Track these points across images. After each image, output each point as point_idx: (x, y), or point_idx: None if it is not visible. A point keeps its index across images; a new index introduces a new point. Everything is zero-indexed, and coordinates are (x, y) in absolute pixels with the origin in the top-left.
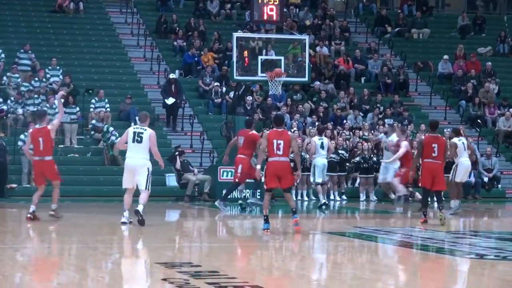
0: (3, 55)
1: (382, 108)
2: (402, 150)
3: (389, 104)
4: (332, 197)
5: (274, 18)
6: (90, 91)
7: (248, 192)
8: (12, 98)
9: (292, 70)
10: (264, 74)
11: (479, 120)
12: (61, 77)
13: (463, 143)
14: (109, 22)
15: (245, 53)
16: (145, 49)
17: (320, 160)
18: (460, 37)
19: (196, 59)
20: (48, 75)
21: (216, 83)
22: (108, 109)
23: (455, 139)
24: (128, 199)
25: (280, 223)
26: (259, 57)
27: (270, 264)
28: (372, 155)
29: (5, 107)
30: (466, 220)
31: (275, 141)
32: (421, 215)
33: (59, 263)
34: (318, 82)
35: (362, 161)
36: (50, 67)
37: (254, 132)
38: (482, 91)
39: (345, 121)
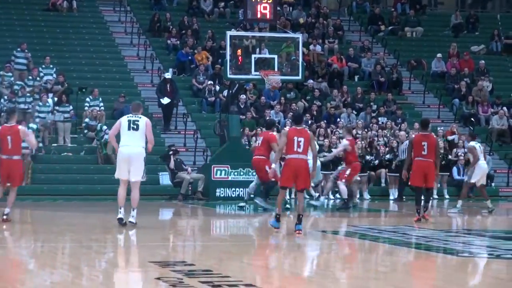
0: None
1: (375, 106)
2: (338, 149)
3: (383, 103)
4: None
5: (268, 16)
6: (83, 90)
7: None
8: (6, 97)
9: (286, 69)
10: (257, 73)
11: (472, 119)
12: (54, 75)
13: (479, 146)
14: (103, 20)
15: (239, 51)
16: (138, 47)
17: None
18: (453, 35)
19: (189, 57)
20: (41, 74)
21: (209, 82)
22: (102, 108)
23: (472, 143)
24: (122, 193)
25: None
26: (253, 56)
27: (264, 263)
28: (365, 154)
29: None
30: (459, 218)
31: (295, 138)
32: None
33: (53, 262)
34: (311, 81)
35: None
36: (43, 66)
37: (274, 133)
38: (476, 89)
39: (338, 119)
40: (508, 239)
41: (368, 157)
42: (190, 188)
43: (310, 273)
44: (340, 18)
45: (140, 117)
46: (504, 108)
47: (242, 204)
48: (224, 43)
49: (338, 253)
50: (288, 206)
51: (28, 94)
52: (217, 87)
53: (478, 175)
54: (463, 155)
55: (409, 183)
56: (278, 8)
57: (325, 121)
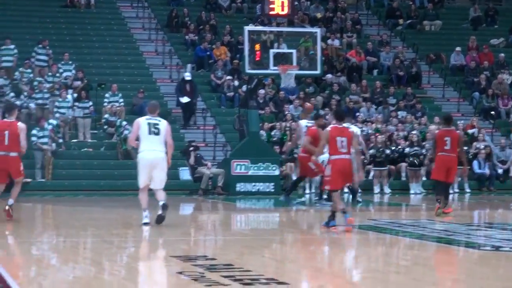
0: (16, 51)
1: (394, 100)
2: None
3: (402, 97)
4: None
5: (286, 11)
6: (103, 86)
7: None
8: (25, 93)
9: (304, 63)
10: (276, 68)
11: (492, 112)
12: (73, 71)
13: None
14: (121, 16)
15: (257, 46)
16: (156, 43)
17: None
18: (472, 28)
19: (208, 53)
20: (60, 70)
21: (228, 77)
22: (122, 104)
23: None
24: (145, 197)
25: (291, 216)
26: (271, 51)
27: (285, 257)
28: (385, 148)
29: (18, 102)
30: (481, 212)
31: (338, 138)
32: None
33: (75, 257)
34: (330, 75)
35: (376, 153)
36: (62, 62)
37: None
38: (496, 82)
39: (357, 113)
40: None
41: (387, 151)
42: (210, 183)
43: (330, 267)
44: (358, 12)
45: (160, 120)
46: None
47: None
48: (242, 38)
49: (358, 247)
50: (303, 199)
51: (45, 90)
52: (236, 82)
53: None
54: (483, 148)
55: (431, 177)
56: (296, 3)
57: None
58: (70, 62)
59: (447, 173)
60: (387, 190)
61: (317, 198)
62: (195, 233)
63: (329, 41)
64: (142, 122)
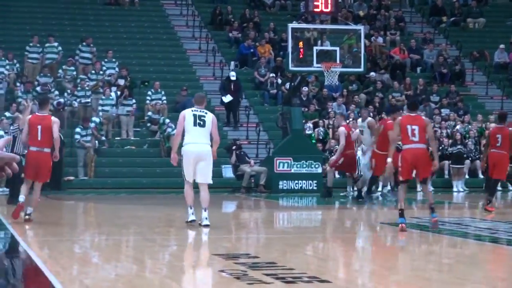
0: (59, 48)
1: (438, 98)
2: (341, 140)
3: (445, 94)
4: (389, 188)
5: (329, 8)
6: (146, 83)
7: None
8: (68, 91)
9: (348, 61)
10: (319, 65)
11: None
12: (117, 69)
13: None
14: (164, 14)
15: (300, 44)
16: (200, 40)
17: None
18: None
19: (251, 50)
20: (104, 68)
21: (271, 74)
22: (165, 101)
23: None
24: (190, 192)
25: (335, 214)
26: (314, 48)
27: (327, 255)
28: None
29: (62, 100)
30: None
31: (409, 126)
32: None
33: (117, 255)
34: (373, 73)
35: None
36: (106, 60)
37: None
38: None
39: (401, 111)
40: None
41: (431, 149)
42: (252, 180)
43: (373, 265)
44: (401, 9)
45: (206, 112)
46: None
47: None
48: (285, 36)
49: (400, 245)
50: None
51: (87, 88)
52: (279, 80)
53: None
54: None
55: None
56: (340, 0)
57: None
58: (114, 60)
59: (494, 170)
60: (429, 187)
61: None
62: (238, 231)
63: (373, 39)
64: (188, 113)
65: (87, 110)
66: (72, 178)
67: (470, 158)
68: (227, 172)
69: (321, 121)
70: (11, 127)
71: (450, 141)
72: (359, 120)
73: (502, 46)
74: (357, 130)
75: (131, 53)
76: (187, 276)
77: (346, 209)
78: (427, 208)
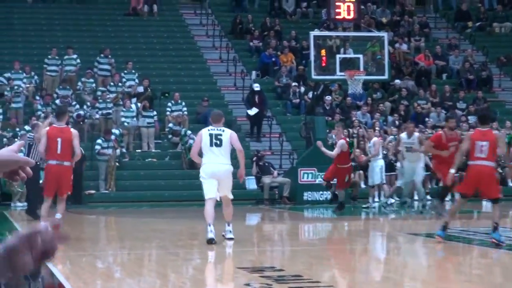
0: (78, 60)
1: (465, 105)
2: (336, 150)
3: (472, 101)
4: (416, 197)
5: (352, 15)
6: (167, 95)
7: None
8: (88, 104)
9: (371, 68)
10: (342, 73)
11: None
12: (136, 80)
13: None
14: (184, 24)
15: (323, 52)
16: (220, 50)
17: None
18: None
19: (273, 59)
20: (123, 79)
21: (294, 83)
22: (186, 112)
23: None
24: (210, 209)
25: (360, 225)
26: (337, 56)
27: (354, 267)
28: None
29: (82, 112)
30: None
31: (478, 142)
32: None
33: (140, 269)
34: (398, 80)
35: None
36: (125, 71)
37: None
38: None
39: (427, 119)
40: None
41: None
42: (276, 192)
43: (400, 276)
44: (425, 15)
45: (223, 130)
46: None
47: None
48: (307, 44)
49: (429, 256)
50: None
51: (108, 100)
52: (302, 89)
53: None
54: None
55: None
56: (362, 7)
57: (412, 120)
58: (133, 71)
59: None
60: (457, 196)
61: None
62: (262, 244)
63: (397, 45)
64: (204, 133)
65: (108, 122)
66: (93, 191)
67: (499, 166)
68: (250, 183)
69: (345, 131)
70: (28, 134)
71: None
72: (402, 135)
73: None
74: (378, 139)
75: (151, 64)
76: None
77: (372, 220)
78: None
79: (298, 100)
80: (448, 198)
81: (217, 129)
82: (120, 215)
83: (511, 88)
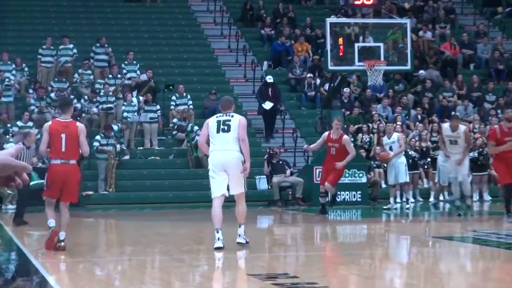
0: (75, 50)
1: (494, 97)
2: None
3: (502, 93)
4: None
5: (371, 0)
6: (171, 87)
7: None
8: (86, 97)
9: (393, 58)
10: (361, 63)
11: None
12: (138, 72)
13: None
14: (190, 10)
15: (340, 40)
16: (229, 39)
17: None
18: None
19: (286, 48)
20: (124, 71)
21: (309, 75)
22: (191, 106)
23: None
24: (218, 211)
25: (381, 227)
26: (356, 45)
27: (373, 274)
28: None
29: (78, 105)
30: None
31: None
32: None
33: (141, 276)
34: (422, 71)
35: (477, 156)
36: (126, 62)
37: None
38: None
39: (453, 112)
40: None
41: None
42: (290, 193)
43: (425, 283)
44: (451, 0)
45: (232, 115)
46: None
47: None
48: (323, 32)
49: (455, 261)
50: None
51: (110, 93)
52: (317, 80)
53: None
54: None
55: None
56: None
57: (438, 114)
58: (135, 62)
59: None
60: (487, 197)
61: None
62: (275, 249)
63: (420, 33)
64: (211, 120)
65: (109, 118)
66: (91, 192)
67: None
68: (262, 183)
69: (364, 126)
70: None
71: None
72: (445, 126)
73: None
74: (401, 134)
75: (154, 54)
76: None
77: (393, 222)
78: (478, 221)
79: (313, 93)
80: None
81: (226, 115)
82: (121, 218)
83: None
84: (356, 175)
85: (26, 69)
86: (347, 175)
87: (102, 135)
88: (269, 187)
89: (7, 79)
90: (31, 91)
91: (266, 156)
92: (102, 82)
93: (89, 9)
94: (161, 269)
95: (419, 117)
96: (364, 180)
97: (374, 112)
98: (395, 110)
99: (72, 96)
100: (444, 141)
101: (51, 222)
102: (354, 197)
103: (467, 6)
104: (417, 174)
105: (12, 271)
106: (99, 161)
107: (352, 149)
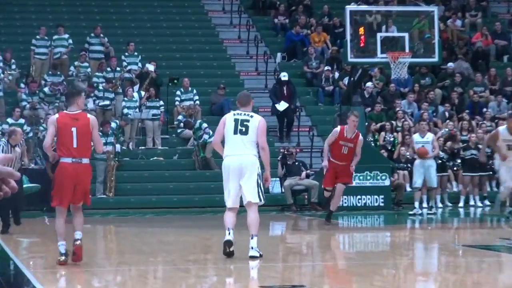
0: (70, 41)
1: None
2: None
3: None
4: (472, 202)
5: None
6: (175, 81)
7: None
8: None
9: (419, 49)
10: (384, 55)
11: None
12: (139, 64)
13: None
14: None
15: (361, 30)
16: (239, 28)
17: (419, 161)
18: None
19: (302, 38)
20: (124, 63)
21: (326, 67)
22: (198, 102)
23: None
24: (231, 217)
25: (408, 235)
26: (378, 34)
27: (398, 286)
28: None
29: None
30: None
31: None
32: None
33: None
34: (450, 63)
35: None
36: (126, 53)
37: None
38: None
39: (485, 109)
40: None
41: None
42: (305, 197)
43: None
44: None
45: (251, 116)
46: None
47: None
48: (339, 20)
49: (487, 272)
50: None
51: (110, 89)
52: (336, 74)
53: None
54: None
55: None
56: None
57: (468, 111)
58: (136, 54)
59: None
60: None
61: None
62: (289, 258)
63: (449, 22)
64: (229, 118)
65: (106, 115)
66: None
67: None
68: (275, 186)
69: (387, 124)
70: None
71: None
72: (501, 129)
73: None
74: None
75: (157, 45)
76: None
77: (419, 229)
78: None
79: (331, 88)
80: None
81: (245, 114)
82: (120, 224)
83: None
84: (379, 177)
85: (13, 60)
86: (368, 177)
87: (100, 133)
88: (282, 190)
89: None
90: (22, 85)
91: (280, 156)
92: (100, 75)
93: None
94: (164, 280)
95: (447, 114)
96: (387, 183)
97: (398, 109)
98: (421, 107)
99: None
100: (500, 146)
101: (62, 247)
102: (376, 202)
103: None
104: (446, 176)
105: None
106: (97, 162)
107: (360, 152)
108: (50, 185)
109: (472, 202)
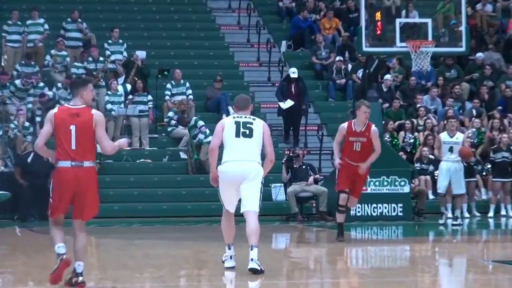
0: (46, 26)
1: None
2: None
3: None
4: (503, 211)
5: None
6: (166, 73)
7: None
8: (60, 85)
9: (443, 37)
10: (404, 44)
11: None
12: (125, 53)
13: None
14: None
15: (378, 15)
16: (239, 13)
17: (445, 164)
18: None
19: (310, 24)
20: (107, 52)
21: (338, 58)
22: (191, 96)
23: None
24: (229, 225)
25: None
26: (397, 21)
27: None
28: None
29: (50, 93)
30: None
31: None
32: None
33: None
34: (480, 53)
35: None
36: (110, 41)
37: None
38: None
39: None
40: None
41: None
42: (313, 205)
43: None
44: None
45: (254, 119)
46: None
47: None
48: (353, 4)
49: None
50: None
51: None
52: (349, 65)
53: None
54: None
55: None
56: None
57: (500, 108)
58: (121, 41)
59: None
60: None
61: None
62: (294, 275)
63: (478, 6)
64: (228, 121)
65: None
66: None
67: None
68: (279, 193)
69: (407, 122)
70: None
71: None
72: None
73: None
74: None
75: (145, 32)
76: None
77: (443, 242)
78: None
79: (343, 81)
80: None
81: (245, 117)
82: (102, 235)
83: None
84: (397, 183)
85: None
86: (385, 183)
87: None
88: (287, 198)
89: None
90: None
91: (285, 159)
92: (80, 65)
93: None
94: None
95: (475, 111)
96: (406, 189)
97: (419, 105)
98: (446, 103)
99: (42, 84)
100: None
101: (61, 248)
102: (394, 211)
103: None
104: (473, 182)
105: None
106: None
107: (379, 146)
108: (20, 191)
109: (503, 212)
